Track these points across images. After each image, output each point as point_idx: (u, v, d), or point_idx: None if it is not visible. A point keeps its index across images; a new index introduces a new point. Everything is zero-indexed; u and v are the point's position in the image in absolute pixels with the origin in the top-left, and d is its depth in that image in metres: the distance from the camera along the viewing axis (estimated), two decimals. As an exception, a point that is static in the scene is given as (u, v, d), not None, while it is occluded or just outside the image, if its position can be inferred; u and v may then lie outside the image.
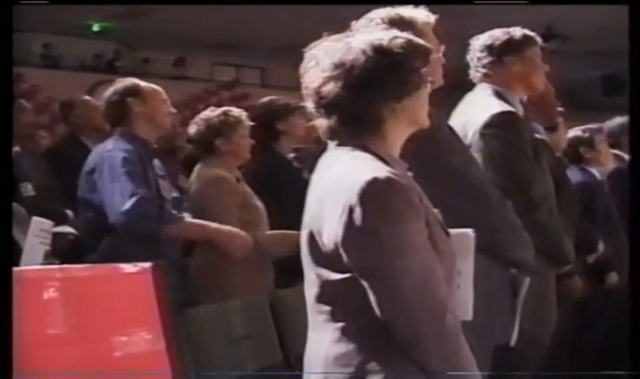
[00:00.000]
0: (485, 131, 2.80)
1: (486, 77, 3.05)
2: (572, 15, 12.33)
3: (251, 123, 3.66)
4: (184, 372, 1.97)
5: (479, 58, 3.08)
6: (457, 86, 2.84)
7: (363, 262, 1.69)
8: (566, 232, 3.01)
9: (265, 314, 3.29)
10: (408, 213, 1.68)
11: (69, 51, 15.23)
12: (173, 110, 3.52)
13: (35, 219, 3.29)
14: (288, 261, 3.31)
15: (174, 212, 3.34)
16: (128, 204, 3.10)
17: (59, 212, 3.91)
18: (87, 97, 5.00)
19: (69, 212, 3.99)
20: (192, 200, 3.58)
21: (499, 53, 3.05)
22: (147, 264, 1.85)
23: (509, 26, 3.12)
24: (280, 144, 3.99)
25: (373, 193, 1.66)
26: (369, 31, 1.86)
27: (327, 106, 1.77)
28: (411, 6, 2.45)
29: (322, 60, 1.78)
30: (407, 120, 1.81)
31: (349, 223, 1.67)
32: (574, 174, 4.00)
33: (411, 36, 1.81)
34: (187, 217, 3.42)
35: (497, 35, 3.08)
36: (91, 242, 3.32)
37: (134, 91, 3.39)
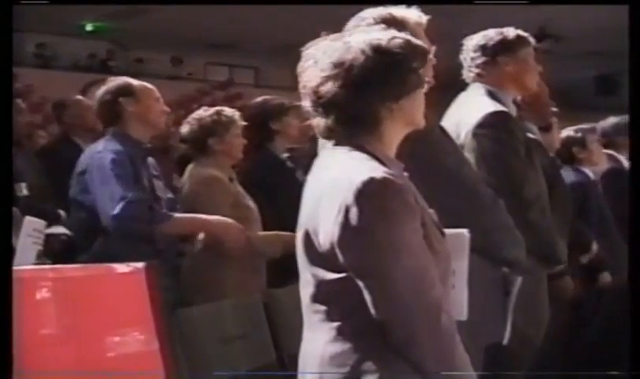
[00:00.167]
0: (478, 131, 2.80)
1: (479, 77, 3.06)
2: (566, 15, 12.33)
3: (245, 123, 3.65)
4: (177, 372, 1.96)
5: (472, 58, 3.08)
6: (450, 86, 2.84)
7: (359, 262, 1.69)
8: (560, 232, 3.02)
9: (258, 314, 3.28)
10: (403, 213, 1.69)
11: (62, 51, 15.18)
12: (166, 108, 3.49)
13: (27, 218, 3.27)
14: (281, 261, 3.31)
15: (164, 210, 3.33)
16: (117, 208, 3.08)
17: (52, 212, 3.90)
18: (79, 97, 5.00)
19: (62, 213, 3.98)
20: (184, 200, 3.57)
21: (492, 53, 3.05)
22: (140, 264, 1.85)
23: (503, 26, 3.12)
24: (274, 143, 3.98)
25: (369, 193, 1.67)
26: (367, 31, 1.85)
27: (325, 105, 1.77)
28: (403, 6, 2.45)
29: (321, 59, 1.77)
30: (404, 120, 1.82)
31: (345, 223, 1.67)
32: (567, 175, 4.00)
33: (409, 37, 1.82)
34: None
35: (490, 35, 3.09)
36: (83, 242, 3.30)
37: (127, 91, 3.37)
